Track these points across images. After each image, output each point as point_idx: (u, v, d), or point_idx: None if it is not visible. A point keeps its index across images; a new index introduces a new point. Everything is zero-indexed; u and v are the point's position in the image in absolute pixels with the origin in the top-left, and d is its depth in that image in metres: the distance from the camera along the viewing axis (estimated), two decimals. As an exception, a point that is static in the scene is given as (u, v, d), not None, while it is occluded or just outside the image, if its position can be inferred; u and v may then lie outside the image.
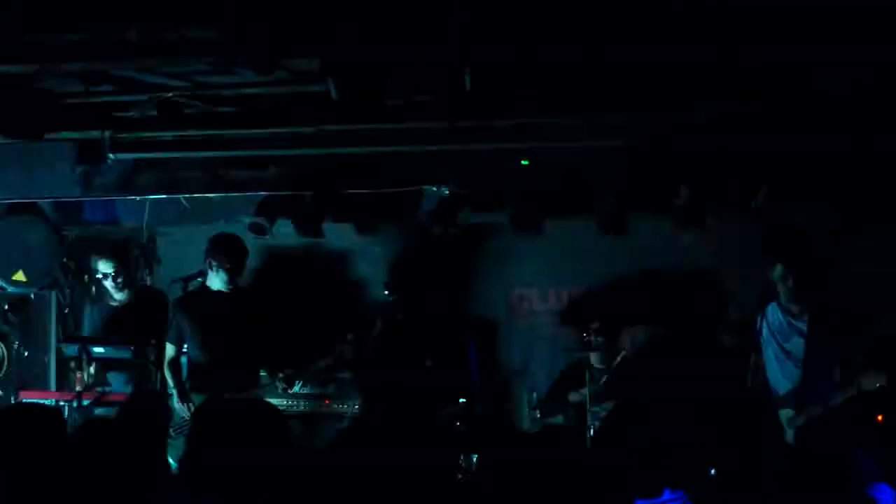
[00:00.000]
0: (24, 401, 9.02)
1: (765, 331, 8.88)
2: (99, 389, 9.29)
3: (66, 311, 10.79)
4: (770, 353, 8.85)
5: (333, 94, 7.68)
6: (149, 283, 10.83)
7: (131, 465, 5.19)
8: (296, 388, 9.58)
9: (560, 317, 10.97)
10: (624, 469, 5.17)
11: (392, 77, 7.84)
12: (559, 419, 10.09)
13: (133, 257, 10.28)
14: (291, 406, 9.69)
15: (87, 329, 10.02)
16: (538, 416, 10.00)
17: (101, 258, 9.84)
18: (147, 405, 6.32)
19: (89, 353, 9.29)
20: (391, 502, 4.84)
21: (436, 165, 9.68)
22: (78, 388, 9.07)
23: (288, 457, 4.95)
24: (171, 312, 9.17)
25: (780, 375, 8.84)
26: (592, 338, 9.94)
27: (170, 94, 9.06)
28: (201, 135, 9.38)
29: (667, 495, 5.72)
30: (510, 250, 11.17)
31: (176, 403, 9.03)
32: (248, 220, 10.08)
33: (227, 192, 10.55)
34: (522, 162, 9.66)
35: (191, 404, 8.95)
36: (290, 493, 4.60)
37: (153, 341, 9.24)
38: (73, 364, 9.50)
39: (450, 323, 9.18)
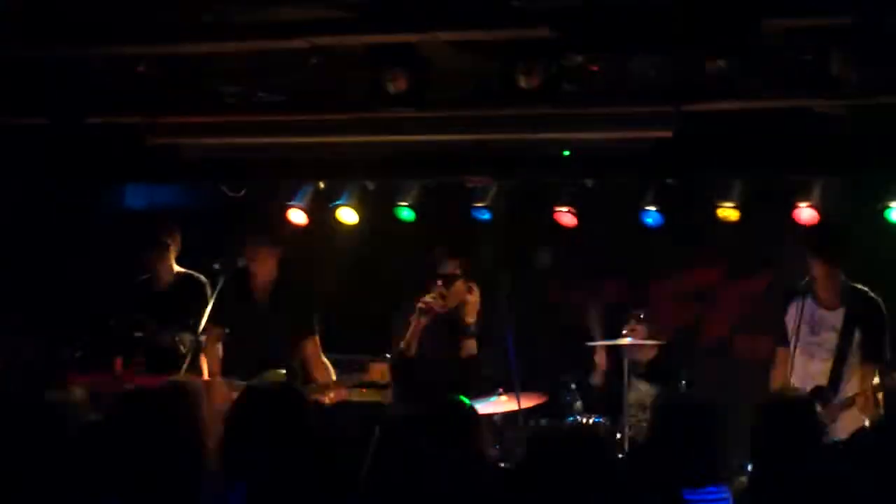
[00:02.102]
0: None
1: (792, 323, 8.79)
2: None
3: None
4: (795, 345, 8.75)
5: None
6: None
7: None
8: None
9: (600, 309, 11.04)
10: (671, 461, 5.16)
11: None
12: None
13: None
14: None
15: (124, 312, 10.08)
16: (579, 404, 9.98)
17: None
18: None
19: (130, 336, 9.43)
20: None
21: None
22: (118, 372, 9.12)
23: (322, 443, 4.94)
24: (214, 297, 9.24)
25: (805, 370, 8.76)
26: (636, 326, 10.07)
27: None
28: (243, 121, 9.43)
29: (711, 490, 5.73)
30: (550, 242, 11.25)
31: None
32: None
33: (279, 178, 10.68)
34: (563, 153, 9.61)
35: None
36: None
37: (193, 325, 9.27)
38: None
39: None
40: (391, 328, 9.09)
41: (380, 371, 9.22)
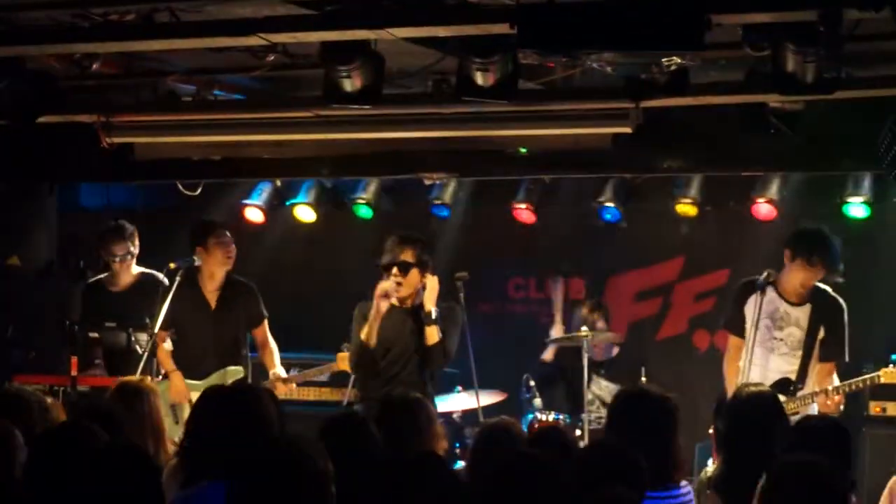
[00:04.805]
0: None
1: (751, 316, 8.79)
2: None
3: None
4: (755, 339, 8.75)
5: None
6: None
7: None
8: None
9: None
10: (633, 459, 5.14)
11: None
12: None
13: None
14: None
15: (78, 312, 10.02)
16: (538, 401, 9.97)
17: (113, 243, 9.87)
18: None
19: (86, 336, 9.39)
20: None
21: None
22: (73, 373, 9.04)
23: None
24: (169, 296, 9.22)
25: (765, 365, 8.78)
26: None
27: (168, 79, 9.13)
28: (198, 119, 9.38)
29: (675, 493, 5.72)
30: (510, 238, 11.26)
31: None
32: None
33: (236, 177, 10.64)
34: (521, 150, 9.59)
35: None
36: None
37: (149, 325, 9.23)
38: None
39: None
40: (351, 326, 9.04)
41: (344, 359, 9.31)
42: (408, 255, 8.79)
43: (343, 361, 9.38)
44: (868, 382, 8.67)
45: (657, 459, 5.57)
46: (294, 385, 9.75)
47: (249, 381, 9.43)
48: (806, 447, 5.53)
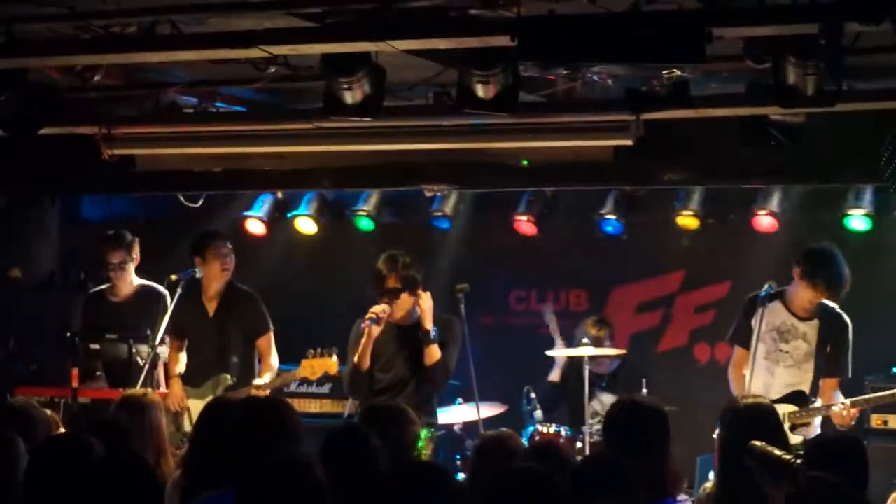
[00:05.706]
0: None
1: (757, 328, 8.78)
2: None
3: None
4: (761, 352, 8.77)
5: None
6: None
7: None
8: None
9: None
10: (626, 472, 5.14)
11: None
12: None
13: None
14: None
15: (79, 324, 10.01)
16: (539, 413, 9.96)
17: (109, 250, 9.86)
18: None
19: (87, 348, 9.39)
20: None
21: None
22: (74, 385, 9.04)
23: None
24: (171, 307, 9.22)
25: (769, 377, 8.78)
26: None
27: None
28: (200, 131, 9.40)
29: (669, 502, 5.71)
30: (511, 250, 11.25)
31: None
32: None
33: (237, 189, 10.66)
34: (523, 162, 9.59)
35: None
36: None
37: (149, 337, 9.23)
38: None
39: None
40: (349, 340, 9.03)
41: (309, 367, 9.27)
42: (392, 281, 8.77)
43: (305, 369, 9.35)
44: (893, 398, 8.70)
45: (651, 472, 5.57)
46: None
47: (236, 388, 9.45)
48: (823, 464, 5.53)
